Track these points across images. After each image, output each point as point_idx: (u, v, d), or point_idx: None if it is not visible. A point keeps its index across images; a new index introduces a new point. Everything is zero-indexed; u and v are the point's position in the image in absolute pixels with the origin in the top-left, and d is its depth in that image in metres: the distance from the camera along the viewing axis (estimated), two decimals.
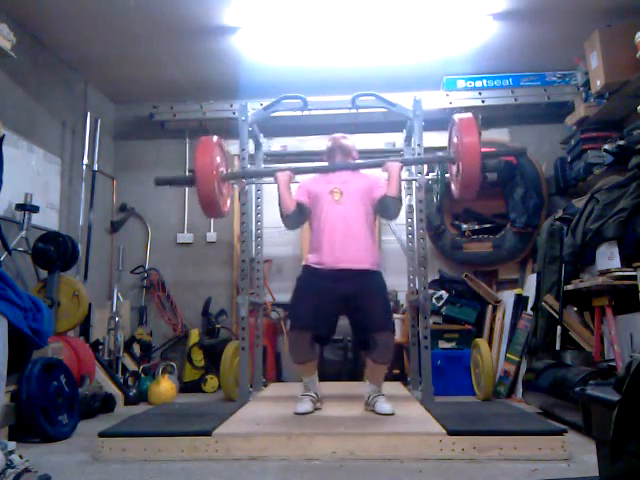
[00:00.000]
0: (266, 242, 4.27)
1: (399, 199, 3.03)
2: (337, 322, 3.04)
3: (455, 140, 3.16)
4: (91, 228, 4.68)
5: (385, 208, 3.06)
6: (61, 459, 2.44)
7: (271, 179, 3.30)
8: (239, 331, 3.51)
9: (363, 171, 3.23)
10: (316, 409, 2.99)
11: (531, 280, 4.24)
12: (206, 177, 3.07)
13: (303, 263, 3.22)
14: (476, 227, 4.81)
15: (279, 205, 3.12)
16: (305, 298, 3.01)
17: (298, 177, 3.34)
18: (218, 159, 3.20)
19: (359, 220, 3.01)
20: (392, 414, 2.81)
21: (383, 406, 2.87)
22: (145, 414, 3.01)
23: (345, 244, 2.96)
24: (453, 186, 3.32)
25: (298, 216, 3.12)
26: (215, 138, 3.23)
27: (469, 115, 3.15)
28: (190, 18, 3.86)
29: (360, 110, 3.79)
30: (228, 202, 3.41)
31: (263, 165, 4.20)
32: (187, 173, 5.24)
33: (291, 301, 3.13)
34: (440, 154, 3.63)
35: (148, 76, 4.80)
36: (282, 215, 3.12)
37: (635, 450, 1.33)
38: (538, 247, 4.09)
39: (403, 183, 4.13)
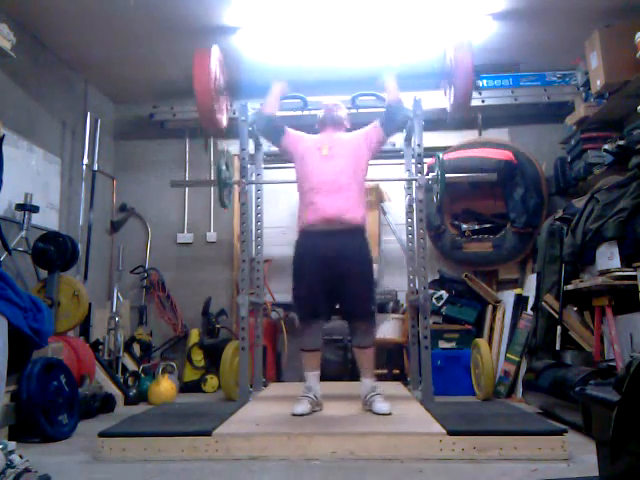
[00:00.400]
0: (266, 242, 4.27)
1: (401, 102, 3.26)
2: (335, 297, 3.12)
3: (450, 57, 3.36)
4: (91, 228, 4.68)
5: (392, 116, 3.27)
6: (61, 459, 2.44)
7: (271, 182, 3.34)
8: (239, 331, 3.51)
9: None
10: (314, 411, 2.96)
11: (531, 280, 4.24)
12: (204, 91, 3.23)
13: (297, 229, 3.21)
14: (476, 227, 4.81)
15: (261, 105, 3.32)
16: (304, 282, 3.07)
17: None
18: (216, 72, 3.35)
19: (348, 174, 3.06)
20: (389, 414, 2.81)
21: (380, 406, 2.88)
22: (145, 414, 3.01)
23: (333, 198, 3.01)
24: (447, 105, 3.58)
25: (272, 122, 3.30)
26: (213, 49, 3.38)
27: (464, 37, 3.37)
28: (190, 18, 3.86)
29: (360, 110, 3.79)
30: (225, 118, 3.61)
31: (263, 166, 4.20)
32: (186, 176, 5.26)
33: (293, 285, 3.15)
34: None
35: (148, 76, 4.80)
36: (260, 113, 3.34)
37: (635, 450, 1.33)
38: (538, 247, 4.09)
39: (403, 183, 4.15)
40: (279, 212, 5.02)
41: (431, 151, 3.95)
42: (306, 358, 3.13)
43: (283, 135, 3.25)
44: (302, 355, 3.17)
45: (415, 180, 3.65)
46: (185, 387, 4.66)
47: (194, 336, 4.85)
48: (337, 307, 3.26)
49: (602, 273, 3.20)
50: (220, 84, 3.46)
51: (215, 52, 3.38)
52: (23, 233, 3.75)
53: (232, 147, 5.19)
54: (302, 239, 3.12)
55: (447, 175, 3.60)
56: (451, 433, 2.35)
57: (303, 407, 2.90)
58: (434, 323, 4.37)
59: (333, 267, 2.98)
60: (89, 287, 4.29)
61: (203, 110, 3.33)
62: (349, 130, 3.30)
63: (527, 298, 4.25)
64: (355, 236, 3.04)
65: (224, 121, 3.60)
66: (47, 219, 4.16)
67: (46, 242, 3.77)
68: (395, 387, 3.91)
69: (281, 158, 4.77)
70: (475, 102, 4.78)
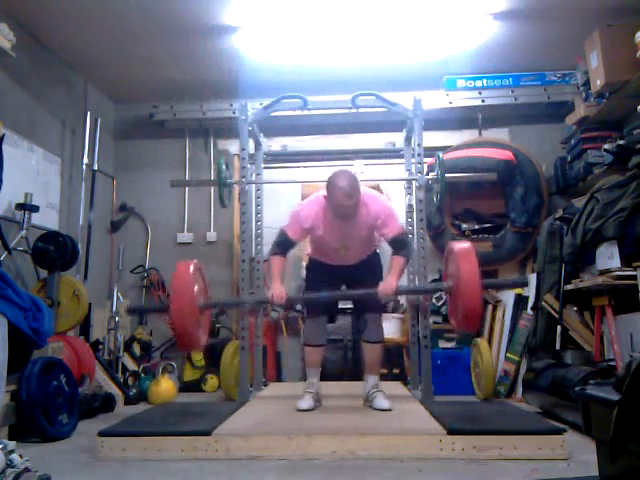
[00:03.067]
0: (266, 242, 4.25)
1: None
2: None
3: (451, 268, 3.02)
4: (91, 228, 4.67)
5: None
6: (61, 459, 2.44)
7: (271, 182, 3.31)
8: (239, 331, 3.52)
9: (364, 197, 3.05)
10: (316, 406, 3.04)
11: (531, 280, 4.24)
12: (182, 310, 2.81)
13: (308, 256, 3.40)
14: (476, 227, 4.80)
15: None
16: (315, 283, 3.21)
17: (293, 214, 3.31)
18: (196, 288, 2.95)
19: (363, 242, 3.15)
20: (390, 410, 2.87)
21: (381, 402, 2.95)
22: (145, 414, 3.01)
23: (348, 258, 3.16)
24: (451, 319, 3.15)
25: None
26: (192, 264, 2.96)
27: (467, 244, 3.00)
28: (190, 18, 3.86)
29: (360, 110, 3.79)
30: (205, 336, 3.10)
31: (263, 166, 4.20)
32: (186, 175, 5.26)
33: (305, 288, 3.34)
34: (434, 285, 3.63)
35: (148, 76, 4.80)
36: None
37: (635, 450, 1.33)
38: (538, 247, 4.09)
39: (403, 183, 4.15)
40: (279, 212, 5.00)
41: (431, 151, 3.95)
42: (309, 353, 3.18)
43: (293, 245, 3.18)
44: (305, 351, 3.22)
45: (415, 180, 3.66)
46: (185, 387, 4.66)
47: None
48: (342, 307, 3.35)
49: (602, 273, 3.20)
50: (200, 298, 3.01)
51: (195, 266, 2.98)
52: (23, 233, 3.74)
53: (232, 147, 5.20)
54: (315, 260, 3.31)
55: (447, 175, 3.60)
56: (451, 433, 2.35)
57: (307, 402, 2.98)
58: (434, 323, 4.37)
59: (346, 269, 3.18)
60: (89, 287, 4.28)
61: (181, 330, 2.84)
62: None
63: (527, 298, 4.25)
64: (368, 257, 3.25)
65: (205, 337, 3.10)
66: (47, 219, 4.16)
67: (46, 242, 3.77)
68: (395, 387, 3.91)
69: (281, 158, 4.80)
70: (475, 102, 4.78)
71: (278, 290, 3.03)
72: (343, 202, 2.86)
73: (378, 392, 3.03)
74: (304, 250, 3.68)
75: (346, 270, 3.18)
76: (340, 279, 3.22)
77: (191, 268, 2.93)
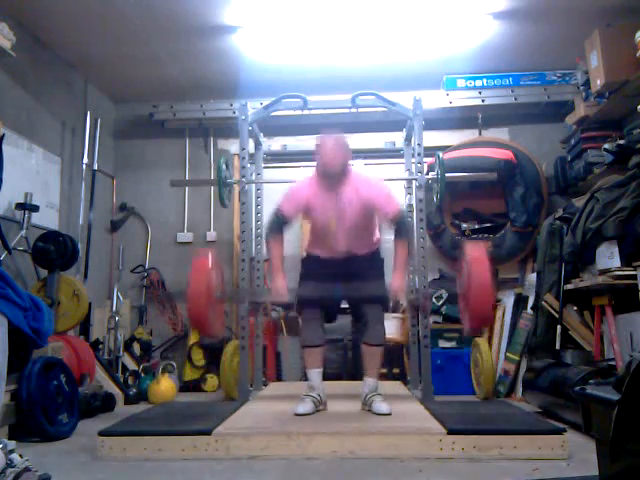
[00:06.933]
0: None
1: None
2: (341, 297, 3.12)
3: (465, 271, 3.02)
4: (91, 227, 4.67)
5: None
6: (61, 458, 2.44)
7: (271, 182, 3.29)
8: (239, 330, 3.52)
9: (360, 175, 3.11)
10: (317, 410, 2.92)
11: (531, 279, 4.24)
12: (199, 301, 2.89)
13: (303, 253, 3.32)
14: (476, 226, 4.80)
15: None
16: (309, 279, 3.11)
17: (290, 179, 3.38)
18: (213, 280, 3.00)
19: (357, 224, 3.03)
20: (389, 414, 2.78)
21: (380, 406, 2.84)
22: (145, 413, 3.01)
23: (345, 241, 3.03)
24: (462, 320, 3.19)
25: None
26: (210, 256, 3.06)
27: (481, 247, 3.09)
28: (190, 17, 3.86)
29: (360, 109, 3.79)
30: (220, 325, 3.22)
31: (263, 165, 4.20)
32: (186, 175, 5.26)
33: (298, 286, 3.17)
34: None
35: (148, 75, 4.80)
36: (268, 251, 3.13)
37: (635, 450, 1.33)
38: (538, 246, 4.09)
39: (403, 182, 4.15)
40: None
41: (431, 150, 3.95)
42: (307, 354, 3.06)
43: (287, 223, 3.12)
44: (303, 352, 3.11)
45: (415, 180, 3.66)
46: (185, 386, 4.67)
47: (194, 335, 4.84)
48: (343, 306, 3.25)
49: (602, 272, 3.20)
50: (217, 290, 3.07)
51: (212, 259, 3.07)
52: (23, 232, 3.74)
53: (232, 147, 5.20)
54: (312, 257, 3.20)
55: (447, 174, 3.60)
56: (451, 432, 2.35)
57: (306, 407, 2.85)
58: (434, 322, 4.37)
59: (345, 268, 3.04)
60: (89, 286, 4.29)
61: (196, 319, 2.96)
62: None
63: (527, 297, 4.25)
64: (368, 256, 3.14)
65: (220, 327, 3.22)
66: (47, 218, 4.16)
67: (46, 241, 3.77)
68: (395, 386, 3.91)
69: (281, 158, 4.80)
70: (475, 102, 4.78)
71: (279, 286, 3.00)
72: (329, 160, 2.88)
73: (376, 396, 2.93)
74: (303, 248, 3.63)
75: (344, 266, 3.03)
76: (337, 277, 3.03)
77: (209, 260, 3.02)
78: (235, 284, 4.99)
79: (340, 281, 3.03)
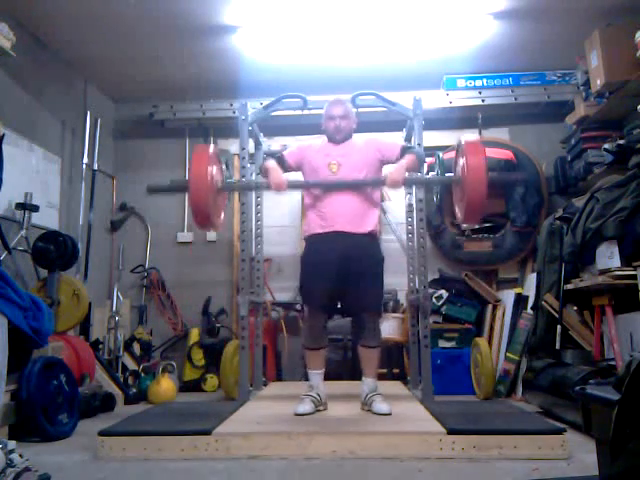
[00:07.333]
0: (266, 241, 4.27)
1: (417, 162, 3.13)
2: (339, 292, 3.06)
3: (461, 162, 3.07)
4: (91, 227, 4.67)
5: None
6: (61, 458, 2.44)
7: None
8: (239, 330, 3.52)
9: (365, 137, 3.22)
10: (317, 410, 2.93)
11: (531, 279, 4.24)
12: (200, 187, 2.94)
13: (304, 236, 3.23)
14: (476, 226, 4.80)
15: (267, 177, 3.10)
16: (312, 278, 3.05)
17: (297, 143, 3.40)
18: (214, 169, 3.06)
19: (356, 189, 3.04)
20: (389, 414, 2.79)
21: (380, 406, 2.85)
22: (145, 413, 3.02)
23: (343, 209, 3.01)
24: (457, 210, 3.23)
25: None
26: (212, 147, 3.12)
27: (476, 138, 3.13)
28: (190, 17, 3.86)
29: (360, 109, 3.79)
30: (222, 215, 3.26)
31: None
32: (186, 175, 5.25)
33: (300, 282, 3.16)
34: (443, 177, 3.60)
35: (148, 75, 4.80)
36: (266, 177, 3.12)
37: (635, 450, 1.33)
38: (538, 246, 4.09)
39: None
40: (279, 212, 5.02)
41: (431, 150, 3.95)
42: (309, 356, 3.09)
43: (286, 166, 3.14)
44: (305, 353, 3.14)
45: None
46: (185, 386, 4.66)
47: (194, 335, 4.85)
48: (340, 306, 3.26)
49: (602, 272, 3.20)
50: (217, 181, 3.11)
51: (213, 149, 3.12)
52: (23, 232, 3.74)
53: (232, 147, 5.19)
54: (311, 241, 3.12)
55: (447, 174, 3.60)
56: (451, 432, 2.35)
57: (305, 407, 2.86)
58: (434, 322, 4.37)
59: (343, 264, 2.96)
60: (89, 286, 4.28)
61: (197, 206, 2.97)
62: (356, 130, 3.22)
63: (527, 297, 4.25)
64: (365, 238, 3.04)
65: (220, 217, 3.24)
66: (47, 218, 4.16)
67: (46, 241, 3.77)
68: (395, 386, 3.91)
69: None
70: (475, 101, 4.78)
71: (277, 178, 3.00)
72: (334, 112, 3.11)
73: (376, 396, 2.94)
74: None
75: (346, 259, 2.96)
76: (338, 274, 2.98)
77: (210, 150, 3.06)
78: (235, 283, 5.00)
79: (340, 270, 2.96)
